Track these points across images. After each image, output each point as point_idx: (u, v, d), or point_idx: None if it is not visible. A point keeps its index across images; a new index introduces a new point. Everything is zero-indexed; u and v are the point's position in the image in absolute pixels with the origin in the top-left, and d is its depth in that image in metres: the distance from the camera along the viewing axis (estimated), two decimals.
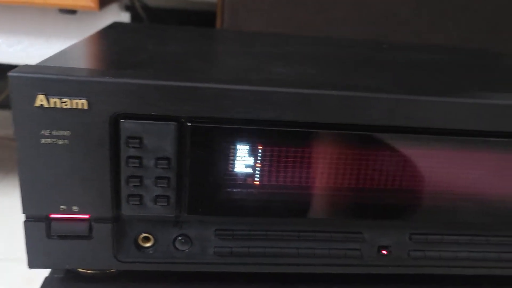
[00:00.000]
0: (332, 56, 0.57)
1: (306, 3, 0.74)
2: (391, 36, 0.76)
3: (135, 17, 0.88)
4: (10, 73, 0.33)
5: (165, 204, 0.37)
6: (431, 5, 0.75)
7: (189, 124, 0.36)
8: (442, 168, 0.40)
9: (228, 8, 0.76)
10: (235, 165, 0.38)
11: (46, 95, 0.34)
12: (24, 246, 0.38)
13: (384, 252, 0.42)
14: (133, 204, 0.37)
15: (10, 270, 0.61)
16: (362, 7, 0.75)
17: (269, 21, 0.75)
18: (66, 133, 0.35)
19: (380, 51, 0.63)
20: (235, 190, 0.39)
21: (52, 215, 0.37)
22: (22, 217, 0.37)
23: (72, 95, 0.34)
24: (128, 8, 0.89)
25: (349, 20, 0.75)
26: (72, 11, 0.71)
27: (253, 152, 0.38)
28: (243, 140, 0.37)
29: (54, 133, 0.35)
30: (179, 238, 0.40)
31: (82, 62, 0.45)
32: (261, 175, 0.38)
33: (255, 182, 0.39)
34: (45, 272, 0.42)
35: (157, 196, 0.37)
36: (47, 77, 0.33)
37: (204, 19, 0.95)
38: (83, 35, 0.74)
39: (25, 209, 0.37)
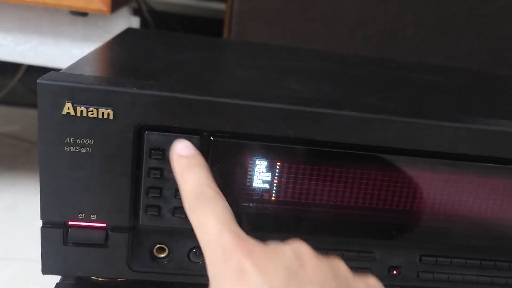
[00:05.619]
0: (342, 73, 0.58)
1: (312, 17, 0.75)
2: (393, 52, 0.77)
3: (141, 21, 0.88)
4: (39, 80, 0.33)
5: (183, 216, 0.38)
6: (433, 25, 0.76)
7: (211, 138, 0.37)
8: (453, 191, 0.40)
9: (236, 18, 0.76)
10: (253, 180, 0.38)
11: (73, 103, 0.34)
12: (40, 251, 0.38)
13: (394, 272, 0.43)
14: (151, 214, 0.37)
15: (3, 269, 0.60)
16: (365, 23, 0.76)
17: (275, 33, 0.75)
18: (89, 141, 0.35)
19: (388, 69, 0.64)
20: (251, 204, 0.39)
21: (71, 222, 0.37)
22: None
23: (98, 104, 0.34)
24: (136, 12, 0.89)
25: (353, 35, 0.76)
26: (83, 14, 0.71)
27: (271, 168, 0.38)
28: (262, 156, 0.38)
29: (78, 141, 0.35)
30: (194, 250, 0.40)
31: (105, 70, 0.45)
32: (277, 191, 0.39)
33: (271, 198, 0.39)
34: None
35: (176, 207, 0.37)
36: (76, 86, 0.34)
37: (211, 26, 0.96)
38: (93, 36, 0.74)
39: (43, 215, 0.37)
